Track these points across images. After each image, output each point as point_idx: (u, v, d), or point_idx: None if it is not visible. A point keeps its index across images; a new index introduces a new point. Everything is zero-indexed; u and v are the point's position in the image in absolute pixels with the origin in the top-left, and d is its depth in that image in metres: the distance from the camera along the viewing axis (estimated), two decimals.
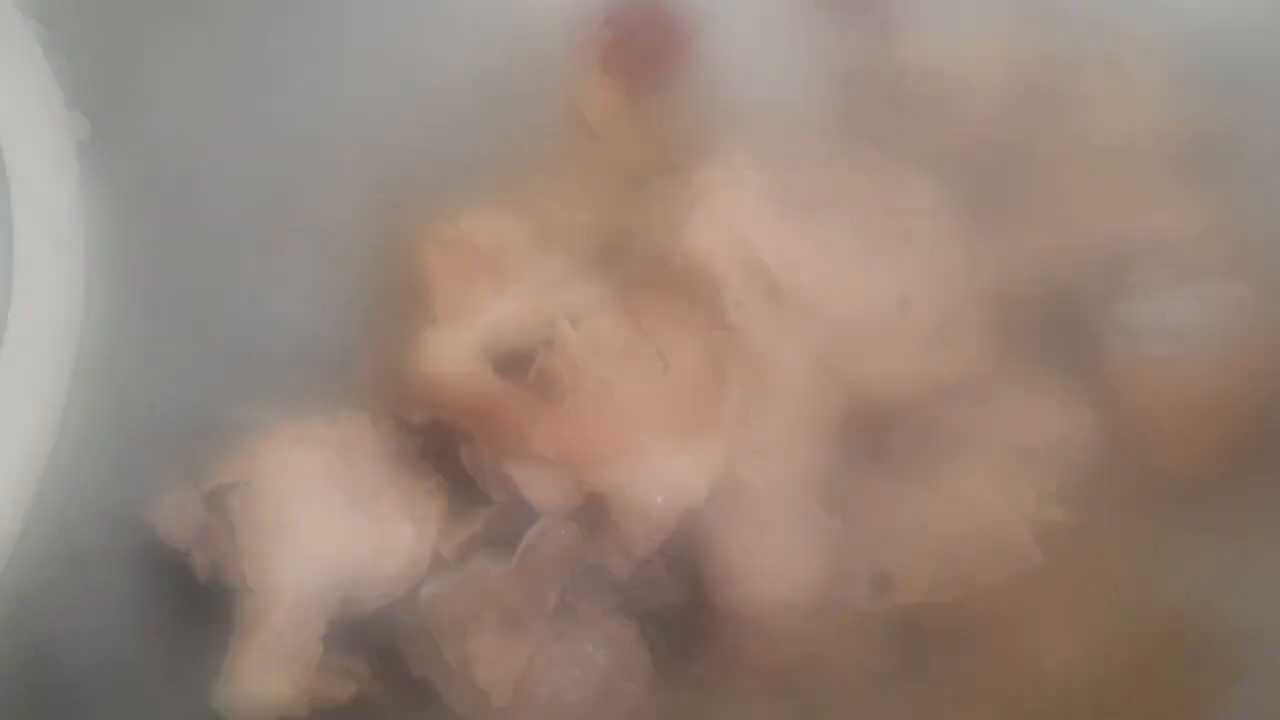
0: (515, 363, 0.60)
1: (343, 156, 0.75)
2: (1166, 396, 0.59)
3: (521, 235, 0.69)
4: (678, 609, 0.56)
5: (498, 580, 0.55)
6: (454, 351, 0.58)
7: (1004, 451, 0.59)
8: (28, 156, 0.41)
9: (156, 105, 0.70)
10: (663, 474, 0.54)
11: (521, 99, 0.80)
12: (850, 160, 0.69)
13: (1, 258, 0.39)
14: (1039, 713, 0.56)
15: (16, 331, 0.39)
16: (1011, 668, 0.56)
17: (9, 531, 0.40)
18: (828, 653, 0.55)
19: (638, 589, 0.56)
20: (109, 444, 0.59)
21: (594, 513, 0.55)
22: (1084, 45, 0.70)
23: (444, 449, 0.58)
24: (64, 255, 0.41)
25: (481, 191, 0.72)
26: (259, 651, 0.52)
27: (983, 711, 0.56)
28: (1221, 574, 0.57)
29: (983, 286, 0.65)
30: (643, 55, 0.81)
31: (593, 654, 0.55)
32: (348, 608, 0.55)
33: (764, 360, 0.58)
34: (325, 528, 0.55)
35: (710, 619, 0.56)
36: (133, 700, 0.54)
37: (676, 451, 0.55)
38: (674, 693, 0.55)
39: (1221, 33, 0.72)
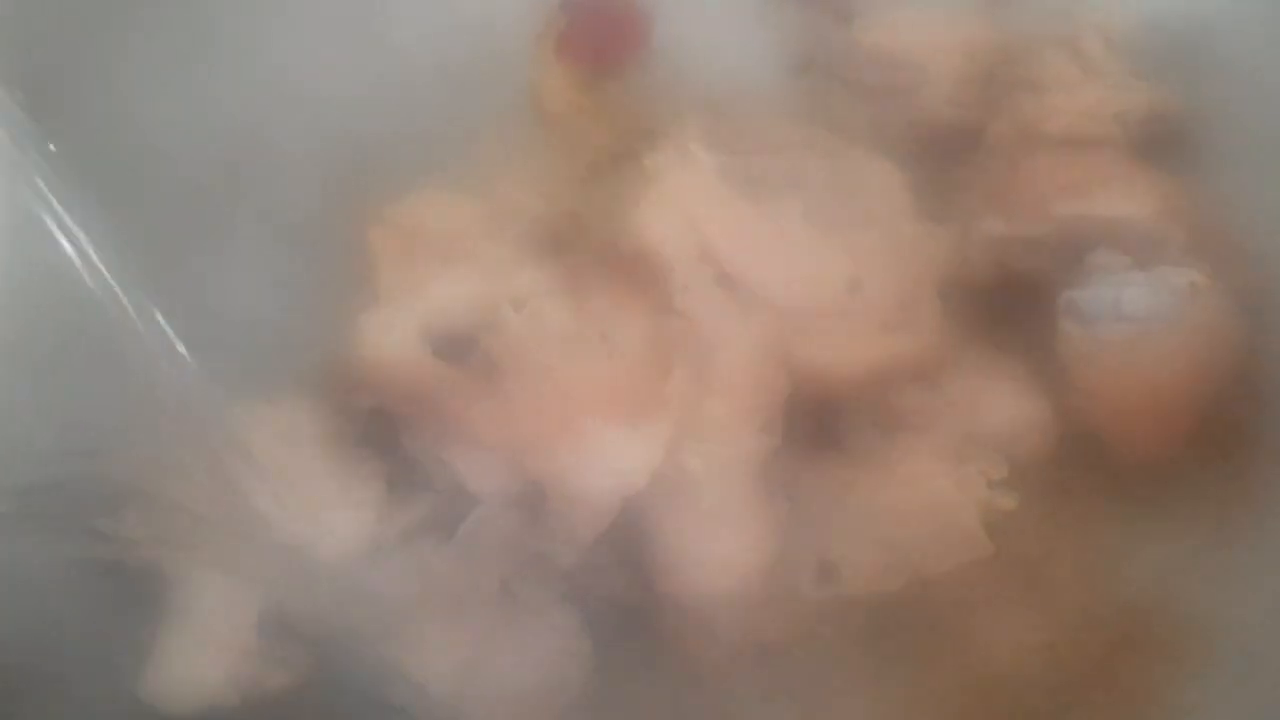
0: (457, 347, 0.59)
1: (294, 138, 0.73)
2: (1120, 383, 0.58)
3: (472, 218, 0.68)
4: (621, 597, 0.55)
5: (438, 567, 0.54)
6: (393, 334, 0.57)
7: (955, 437, 0.58)
8: None
9: (105, 85, 0.69)
10: (605, 460, 0.53)
11: (477, 82, 0.78)
12: (805, 145, 0.68)
13: None
14: (990, 701, 0.55)
15: None
16: (961, 656, 0.55)
17: None
18: (773, 641, 0.54)
19: (580, 576, 0.55)
20: (43, 424, 0.58)
21: (536, 499, 0.54)
22: (1043, 30, 0.69)
23: (385, 434, 0.57)
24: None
25: (434, 174, 0.71)
26: (189, 637, 0.52)
27: (932, 699, 0.55)
28: (1175, 562, 0.57)
29: (937, 270, 0.64)
30: (600, 40, 0.80)
31: (535, 642, 0.54)
32: (283, 593, 0.55)
33: (711, 345, 0.57)
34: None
35: (654, 607, 0.55)
36: (57, 687, 0.53)
37: (620, 437, 0.54)
38: (617, 681, 0.54)
39: (1181, 18, 0.71)
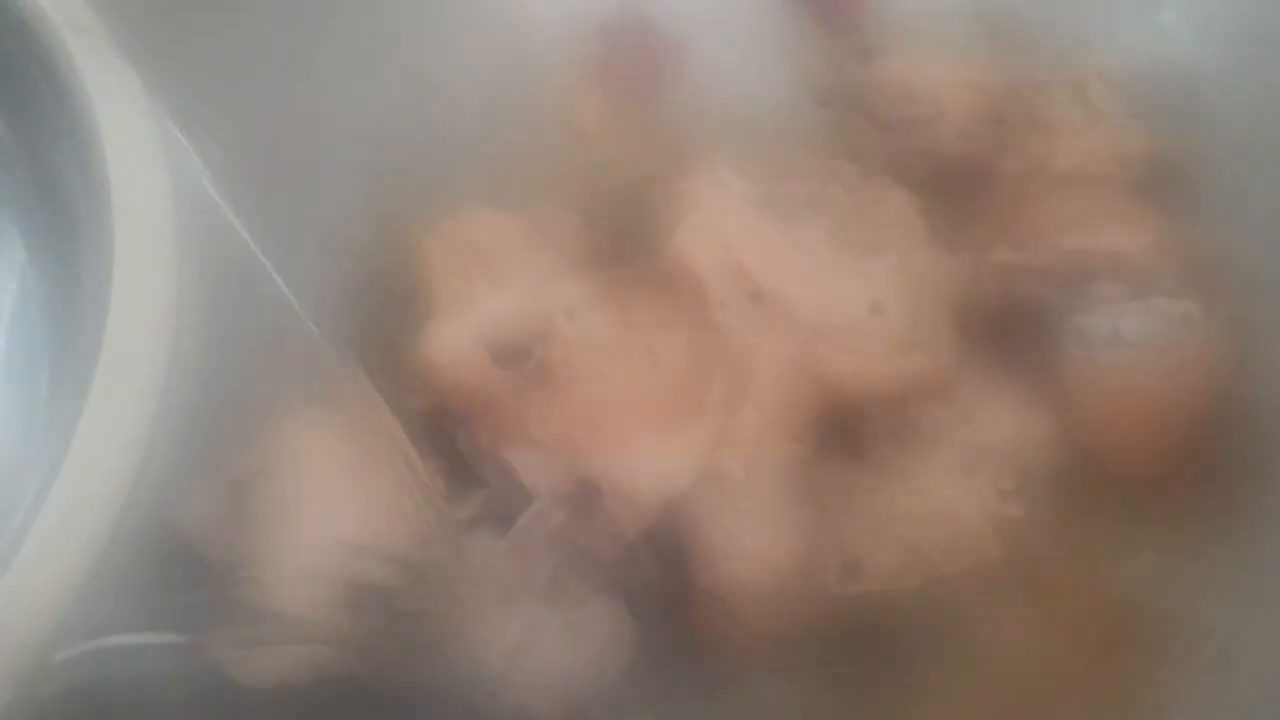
0: (512, 355, 0.63)
1: (346, 155, 0.78)
2: (1118, 403, 0.63)
3: (515, 234, 0.72)
4: (661, 589, 0.59)
5: (493, 559, 0.58)
6: (455, 342, 0.61)
7: (967, 450, 0.63)
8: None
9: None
10: (650, 462, 0.58)
11: (517, 105, 0.83)
12: (828, 174, 0.72)
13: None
14: (992, 689, 0.59)
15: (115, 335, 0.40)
16: (968, 652, 0.59)
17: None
18: (800, 630, 0.58)
19: (624, 569, 0.59)
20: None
21: (585, 497, 0.58)
22: (1050, 73, 0.74)
23: (443, 435, 0.61)
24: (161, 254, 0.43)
25: (478, 191, 0.75)
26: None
27: (939, 689, 0.59)
28: (1164, 568, 0.61)
29: (950, 295, 0.69)
30: (634, 69, 0.84)
31: (580, 629, 0.59)
32: (353, 582, 0.58)
33: (746, 358, 0.62)
34: (337, 512, 0.58)
35: (691, 598, 0.59)
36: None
37: (663, 441, 0.58)
38: (657, 666, 0.58)
39: (1177, 65, 0.76)
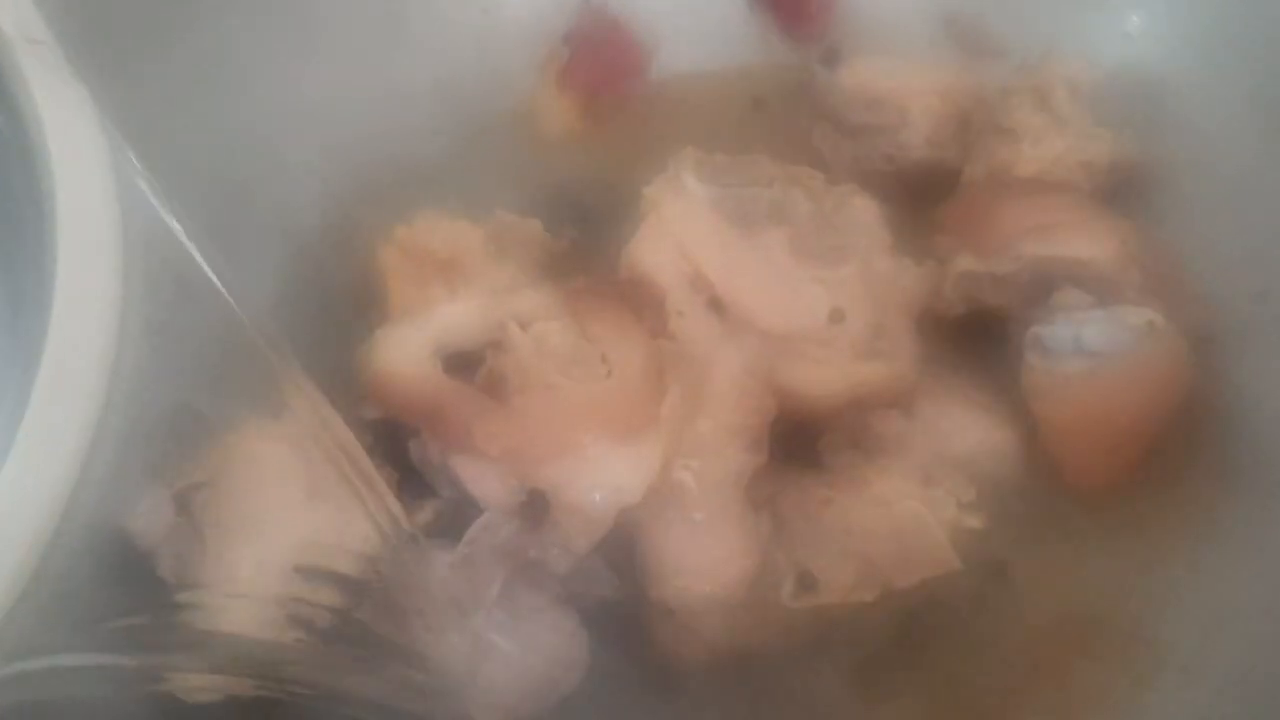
0: (465, 363, 0.62)
1: (304, 157, 0.77)
2: (1078, 414, 0.62)
3: (474, 242, 0.71)
4: (614, 602, 0.58)
5: (442, 570, 0.57)
6: (406, 350, 0.60)
7: (927, 461, 0.62)
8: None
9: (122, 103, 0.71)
10: (602, 473, 0.56)
11: (481, 109, 0.82)
12: (791, 180, 0.72)
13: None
14: (950, 701, 0.59)
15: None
16: (923, 666, 0.59)
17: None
18: (754, 645, 0.57)
19: (577, 582, 0.58)
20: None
21: (535, 509, 0.57)
22: (1015, 80, 0.73)
23: (394, 444, 0.60)
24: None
25: (437, 197, 0.74)
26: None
27: (894, 704, 0.59)
28: (1123, 578, 0.61)
29: (913, 303, 0.68)
30: (600, 72, 0.84)
31: (533, 642, 0.58)
32: (302, 595, 0.57)
33: (702, 368, 0.61)
34: (285, 522, 0.56)
35: (644, 612, 0.58)
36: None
37: (616, 452, 0.56)
38: (610, 680, 0.57)
39: (1141, 73, 0.75)
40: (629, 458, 0.57)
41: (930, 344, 0.67)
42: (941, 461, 0.62)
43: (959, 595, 0.60)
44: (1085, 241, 0.67)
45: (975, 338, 0.68)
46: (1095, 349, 0.63)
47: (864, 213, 0.72)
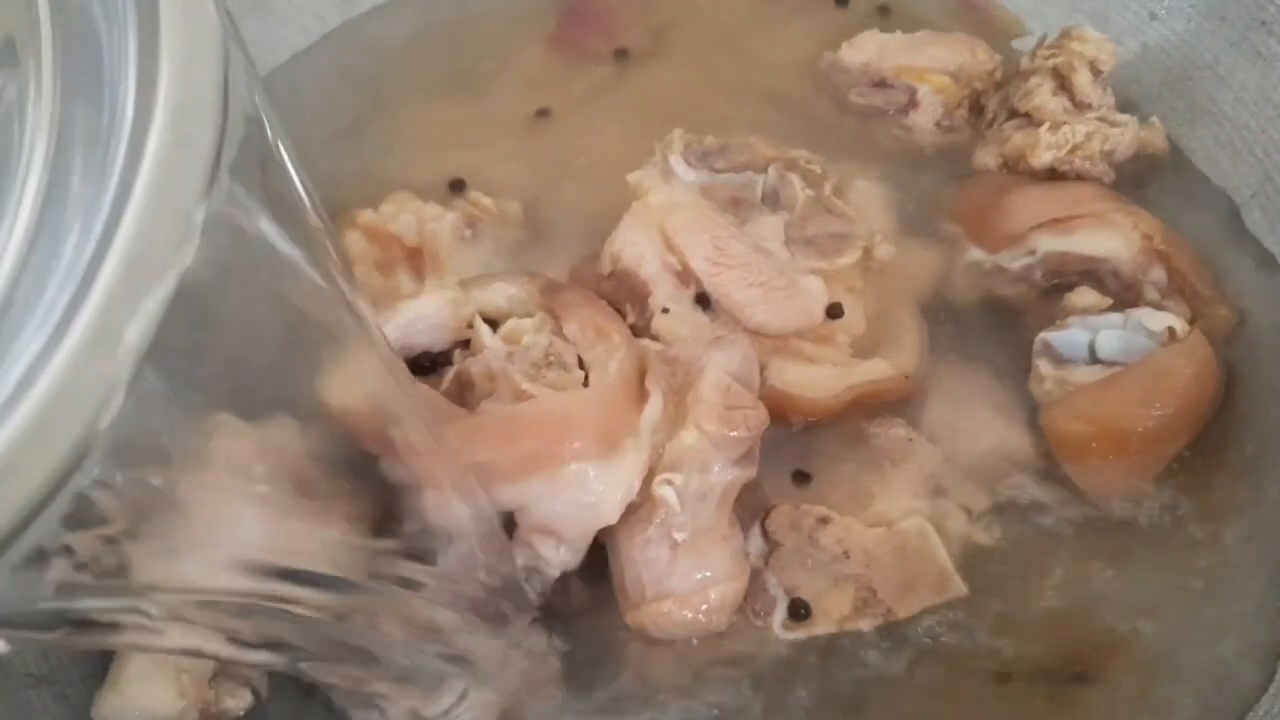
0: (432, 364, 0.57)
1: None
2: (1090, 426, 0.57)
3: (446, 226, 0.66)
4: (590, 624, 0.54)
5: (414, 595, 0.52)
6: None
7: (935, 469, 0.57)
8: None
9: None
10: (577, 490, 0.50)
11: (468, 74, 0.76)
12: (787, 163, 0.67)
13: None
14: None
15: None
16: (932, 689, 0.53)
17: None
18: (740, 675, 0.52)
19: (550, 603, 0.53)
20: None
21: (506, 529, 0.52)
22: (1034, 63, 0.67)
23: (363, 461, 0.55)
24: None
25: (411, 175, 0.69)
26: (144, 658, 0.49)
27: None
28: (1147, 601, 0.55)
29: (918, 291, 0.64)
30: (593, 35, 0.78)
31: (507, 667, 0.53)
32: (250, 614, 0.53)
33: (688, 372, 0.56)
34: (236, 531, 0.52)
35: (621, 635, 0.53)
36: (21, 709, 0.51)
37: (593, 466, 0.50)
38: (583, 704, 0.53)
39: (1167, 57, 0.70)
40: (606, 472, 0.51)
41: (939, 335, 0.62)
42: (953, 469, 0.58)
43: (965, 619, 0.54)
44: (1105, 237, 0.62)
45: (984, 333, 0.62)
46: (1109, 356, 0.58)
47: (865, 197, 0.67)
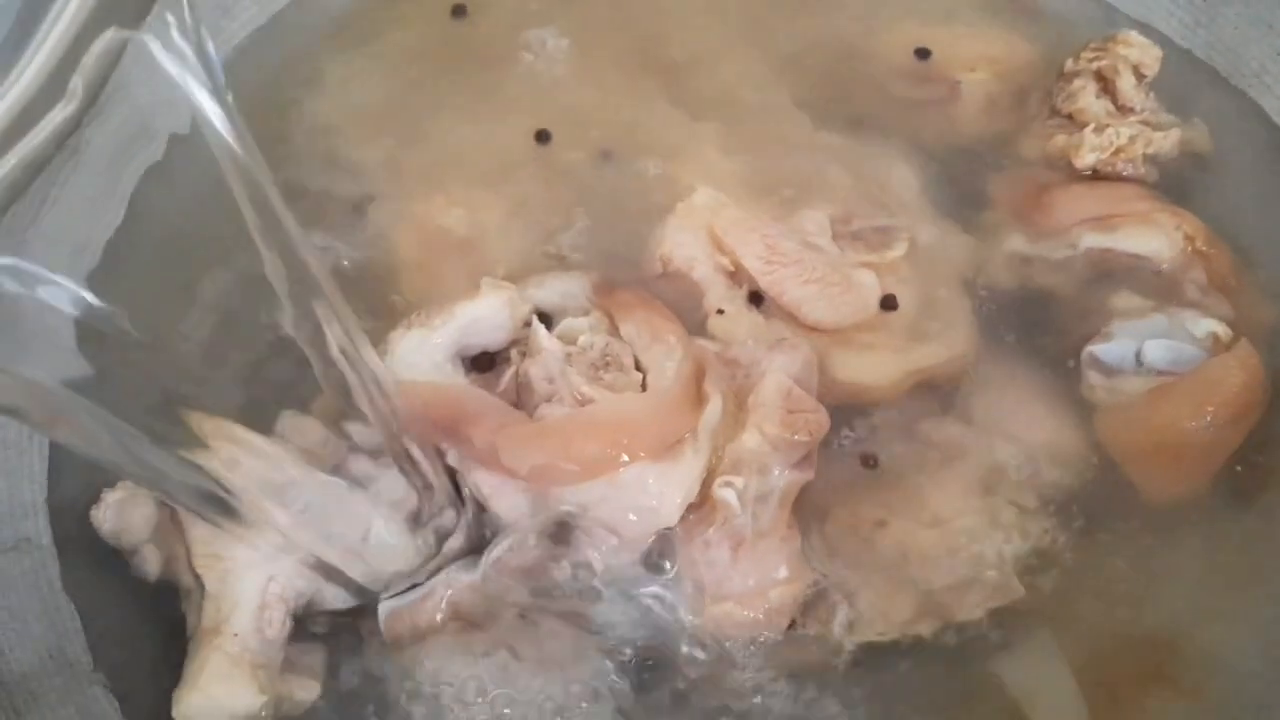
0: (490, 366, 0.57)
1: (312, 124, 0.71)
2: (1143, 430, 0.57)
3: (495, 216, 0.65)
4: (646, 627, 0.53)
5: (460, 592, 0.53)
6: (424, 354, 0.55)
7: (986, 467, 0.57)
8: None
9: None
10: (637, 492, 0.51)
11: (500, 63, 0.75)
12: (830, 151, 0.67)
13: None
14: None
15: None
16: (984, 698, 0.54)
17: None
18: (799, 679, 0.52)
19: (604, 606, 0.53)
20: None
21: (562, 529, 0.51)
22: (1079, 63, 0.67)
23: (415, 455, 0.55)
24: None
25: (460, 175, 0.68)
26: (222, 656, 0.50)
27: None
28: (1203, 606, 0.56)
29: (962, 274, 0.64)
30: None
31: (556, 669, 0.53)
32: (311, 610, 0.53)
33: (747, 374, 0.56)
34: (289, 530, 0.52)
35: (678, 640, 0.53)
36: (85, 709, 0.52)
37: (652, 469, 0.51)
38: (642, 710, 0.52)
39: (1212, 58, 0.71)
40: (666, 474, 0.51)
41: (985, 323, 0.62)
42: (1005, 467, 0.57)
43: (1022, 621, 0.54)
44: (1148, 235, 0.62)
45: (1030, 324, 0.62)
46: (1156, 365, 0.58)
47: (904, 185, 0.67)
